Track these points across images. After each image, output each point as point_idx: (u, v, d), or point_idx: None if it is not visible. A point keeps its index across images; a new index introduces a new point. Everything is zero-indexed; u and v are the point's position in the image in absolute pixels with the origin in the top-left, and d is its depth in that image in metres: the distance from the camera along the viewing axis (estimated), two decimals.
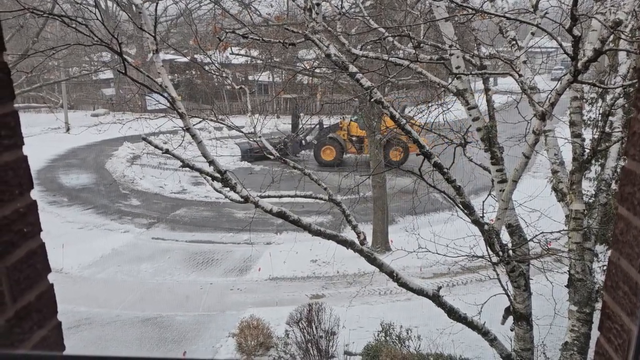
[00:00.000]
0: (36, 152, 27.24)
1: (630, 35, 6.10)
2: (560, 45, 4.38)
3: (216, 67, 7.73)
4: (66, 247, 14.86)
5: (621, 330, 1.09)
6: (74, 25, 3.80)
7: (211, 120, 5.80)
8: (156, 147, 4.49)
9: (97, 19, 4.10)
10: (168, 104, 4.70)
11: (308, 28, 5.07)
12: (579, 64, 4.23)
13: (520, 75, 5.08)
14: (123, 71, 3.77)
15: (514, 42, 5.98)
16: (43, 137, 32.30)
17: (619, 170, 6.88)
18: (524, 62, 5.85)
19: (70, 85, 37.33)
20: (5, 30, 17.21)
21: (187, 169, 4.80)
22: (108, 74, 39.58)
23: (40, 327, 1.23)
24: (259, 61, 20.64)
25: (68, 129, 33.11)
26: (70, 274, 14.30)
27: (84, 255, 15.27)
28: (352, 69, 4.91)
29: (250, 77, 34.26)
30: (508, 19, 5.14)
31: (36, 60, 20.48)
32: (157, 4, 5.45)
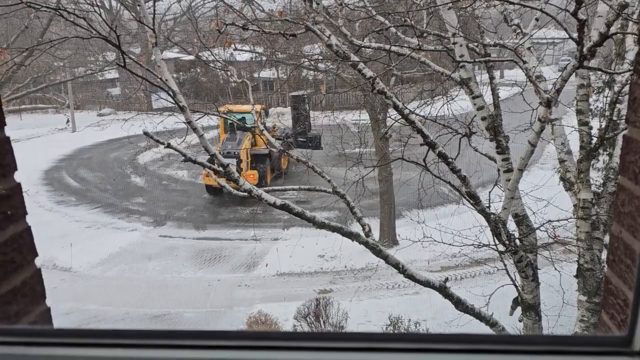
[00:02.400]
0: (43, 153, 27.39)
1: (638, 19, 6.00)
2: (566, 29, 4.31)
3: (219, 62, 7.70)
4: (74, 246, 14.95)
5: (624, 305, 1.05)
6: (72, 19, 3.79)
7: (213, 114, 5.78)
8: (157, 141, 4.48)
9: (95, 12, 4.08)
10: (170, 98, 4.68)
11: (309, 19, 5.03)
12: (585, 49, 4.16)
13: (524, 62, 5.01)
14: (122, 64, 3.75)
15: (518, 28, 5.90)
16: (50, 138, 32.48)
17: None
18: (529, 48, 5.78)
19: (76, 85, 37.47)
20: (10, 30, 17.18)
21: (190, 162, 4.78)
22: (113, 74, 39.70)
23: (27, 313, 1.20)
24: (262, 57, 20.62)
25: (70, 126, 33.39)
26: (78, 273, 14.37)
27: (92, 254, 15.33)
28: (354, 58, 4.86)
29: (255, 74, 34.23)
30: (511, 3, 5.07)
31: (42, 61, 20.60)
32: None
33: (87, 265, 14.85)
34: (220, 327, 11.66)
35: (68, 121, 33.71)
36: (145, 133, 4.45)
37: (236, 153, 18.59)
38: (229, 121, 19.83)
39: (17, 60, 13.79)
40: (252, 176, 18.94)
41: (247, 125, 6.05)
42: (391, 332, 9.95)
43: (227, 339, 0.85)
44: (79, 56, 23.23)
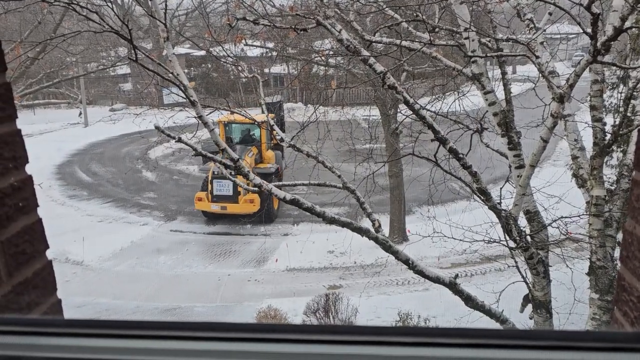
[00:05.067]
0: (56, 147, 27.66)
1: None
2: (579, 24, 4.26)
3: (230, 57, 7.71)
4: (86, 240, 15.09)
5: (638, 302, 1.04)
6: (84, 14, 3.81)
7: (224, 109, 5.80)
8: (168, 135, 4.50)
9: (108, 6, 4.11)
10: (181, 93, 4.69)
11: (320, 13, 5.01)
12: (599, 44, 4.11)
13: (537, 57, 4.96)
14: (134, 58, 3.77)
15: (531, 23, 5.84)
16: (62, 133, 32.78)
17: None
18: (541, 43, 5.71)
19: (88, 81, 37.77)
20: (23, 26, 17.29)
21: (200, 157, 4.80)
22: (125, 69, 39.96)
23: (39, 304, 1.21)
24: (273, 52, 20.60)
25: (82, 119, 33.68)
26: (90, 267, 14.51)
27: (103, 248, 15.47)
28: (365, 53, 4.84)
29: (266, 70, 34.26)
30: None
31: (55, 57, 20.76)
32: None
33: (99, 259, 14.99)
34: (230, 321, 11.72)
35: (80, 114, 34.06)
36: (157, 127, 4.47)
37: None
38: (231, 133, 19.18)
39: (30, 55, 13.92)
40: (252, 202, 15.85)
41: (257, 121, 6.05)
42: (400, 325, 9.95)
43: (237, 331, 0.85)
44: (91, 52, 23.41)
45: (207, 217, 17.56)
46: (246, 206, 16.02)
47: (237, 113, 5.95)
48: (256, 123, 6.02)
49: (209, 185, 16.56)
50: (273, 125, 5.72)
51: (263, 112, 5.77)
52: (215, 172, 15.46)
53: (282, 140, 5.64)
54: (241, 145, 17.78)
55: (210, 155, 4.71)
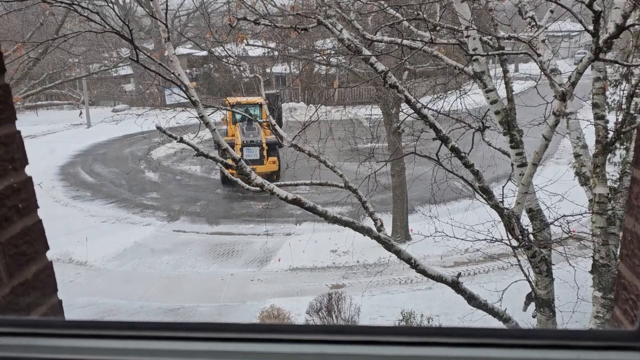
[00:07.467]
0: (59, 148, 27.71)
1: None
2: (581, 22, 4.25)
3: (232, 57, 7.72)
4: (90, 241, 15.11)
5: (637, 300, 1.03)
6: (86, 14, 3.82)
7: (225, 109, 5.80)
8: (170, 136, 4.50)
9: (109, 6, 4.12)
10: (183, 93, 4.70)
11: (321, 13, 5.01)
12: (600, 41, 4.10)
13: (539, 55, 4.95)
14: (135, 59, 3.77)
15: (533, 21, 5.82)
16: (65, 134, 32.83)
17: None
18: (543, 41, 5.70)
19: (90, 82, 37.81)
20: (25, 27, 17.32)
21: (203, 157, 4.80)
22: (127, 70, 39.98)
23: (39, 305, 1.21)
24: (275, 52, 20.67)
25: (83, 119, 33.68)
26: (94, 267, 14.53)
27: (107, 248, 15.50)
28: (366, 52, 4.84)
29: (267, 70, 34.25)
30: None
31: (57, 58, 20.80)
32: None
33: (103, 259, 15.02)
34: (233, 321, 11.72)
35: (81, 114, 34.05)
36: (158, 128, 4.48)
37: (259, 141, 19.35)
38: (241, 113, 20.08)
39: (32, 56, 13.95)
40: (274, 163, 19.77)
41: (259, 120, 6.09)
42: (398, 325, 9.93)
43: (236, 332, 0.85)
44: (93, 52, 23.43)
45: (226, 184, 20.09)
46: (270, 166, 19.60)
47: (236, 111, 5.94)
48: (258, 122, 5.99)
49: (239, 153, 17.07)
50: (275, 125, 5.73)
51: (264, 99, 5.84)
52: (244, 142, 19.47)
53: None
54: (255, 122, 19.97)
55: (212, 156, 4.72)
